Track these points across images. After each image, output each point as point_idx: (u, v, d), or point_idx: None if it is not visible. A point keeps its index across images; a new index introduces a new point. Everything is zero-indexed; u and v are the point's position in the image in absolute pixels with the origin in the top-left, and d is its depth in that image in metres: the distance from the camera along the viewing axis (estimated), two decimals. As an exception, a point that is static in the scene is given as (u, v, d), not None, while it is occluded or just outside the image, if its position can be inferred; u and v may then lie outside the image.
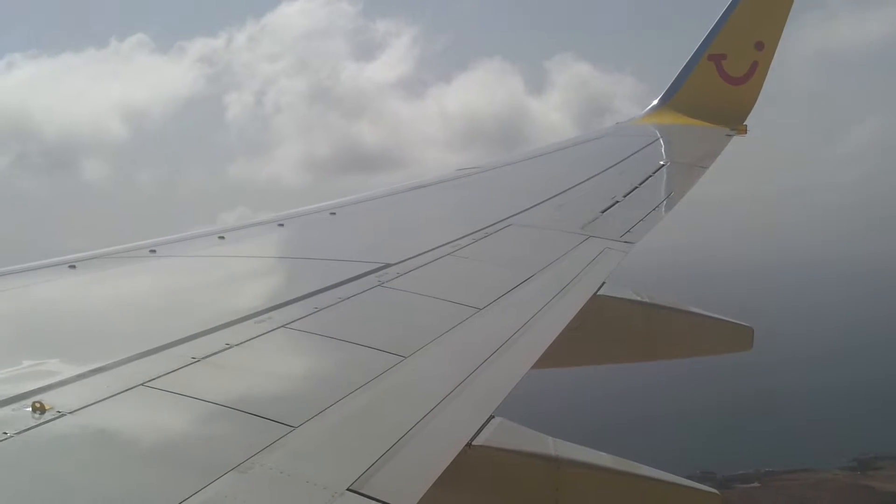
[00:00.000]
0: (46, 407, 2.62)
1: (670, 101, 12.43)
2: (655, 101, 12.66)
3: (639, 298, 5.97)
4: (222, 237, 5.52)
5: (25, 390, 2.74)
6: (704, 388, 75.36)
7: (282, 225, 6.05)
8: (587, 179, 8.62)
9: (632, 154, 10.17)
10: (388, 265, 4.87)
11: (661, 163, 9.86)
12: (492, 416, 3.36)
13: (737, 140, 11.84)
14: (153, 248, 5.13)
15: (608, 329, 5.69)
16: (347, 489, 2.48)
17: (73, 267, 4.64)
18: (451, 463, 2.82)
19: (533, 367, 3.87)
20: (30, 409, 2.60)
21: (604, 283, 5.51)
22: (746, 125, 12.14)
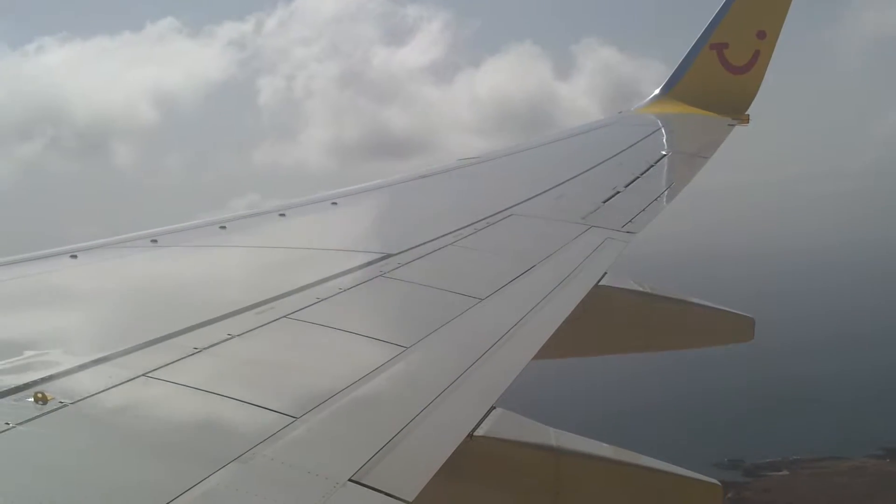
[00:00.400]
0: (48, 397, 2.62)
1: (672, 90, 12.39)
2: (657, 91, 12.62)
3: (640, 289, 5.97)
4: (224, 227, 5.52)
5: (27, 381, 2.74)
6: (714, 377, 75.14)
7: (283, 215, 6.04)
8: (588, 169, 8.60)
9: (633, 144, 10.14)
10: (389, 255, 4.87)
11: (663, 153, 9.84)
12: (493, 407, 3.36)
13: (745, 128, 11.83)
14: (154, 238, 5.12)
15: (610, 320, 5.68)
16: (349, 480, 2.49)
17: (74, 257, 4.64)
18: (453, 454, 2.82)
19: (534, 358, 3.87)
20: (32, 399, 2.60)
21: (605, 273, 5.51)
22: (749, 114, 12.11)
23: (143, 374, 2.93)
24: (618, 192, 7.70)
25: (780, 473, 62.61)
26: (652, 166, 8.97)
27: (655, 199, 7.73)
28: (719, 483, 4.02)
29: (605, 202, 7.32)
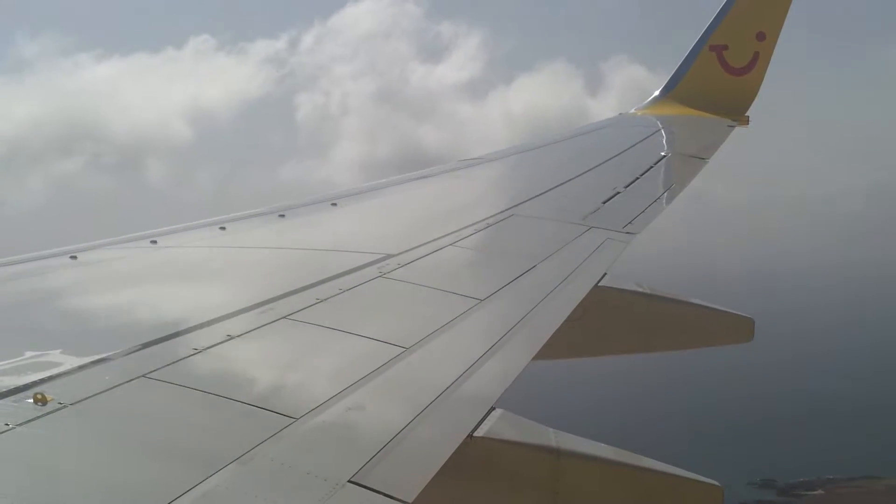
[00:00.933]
0: (48, 398, 2.61)
1: (672, 91, 12.37)
2: (657, 92, 12.60)
3: (640, 289, 5.97)
4: (223, 228, 5.51)
5: (27, 381, 2.73)
6: (724, 393, 74.12)
7: (283, 216, 6.03)
8: (589, 170, 8.60)
9: (633, 145, 10.14)
10: (389, 256, 4.86)
11: (663, 154, 9.84)
12: (493, 408, 3.36)
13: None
14: (154, 239, 5.11)
15: (610, 320, 5.69)
16: (348, 481, 2.48)
17: (74, 258, 4.63)
18: (453, 454, 2.82)
19: (535, 359, 3.87)
20: (31, 400, 2.60)
21: (605, 273, 5.51)
22: (748, 116, 12.10)
23: (143, 375, 2.92)
24: (618, 193, 7.70)
25: (816, 493, 61.38)
26: (652, 167, 8.97)
27: (655, 201, 7.74)
28: (719, 484, 4.01)
29: (605, 203, 7.32)
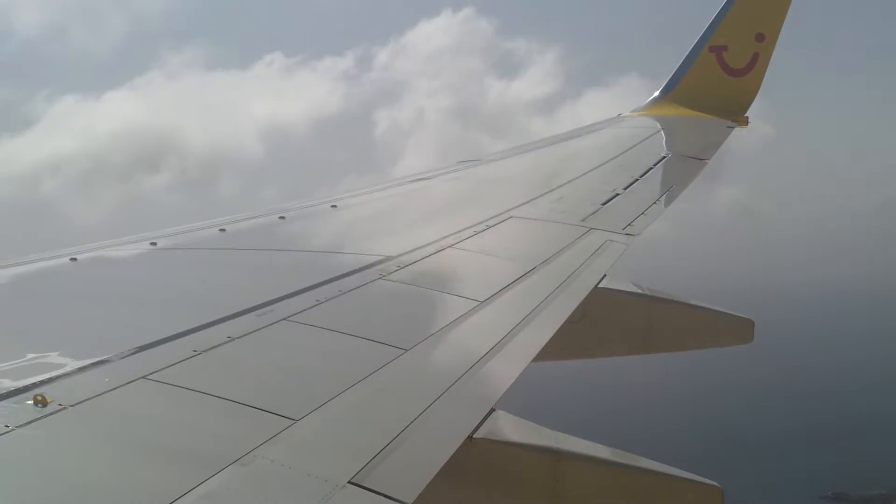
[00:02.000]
0: (48, 400, 2.61)
1: (671, 92, 12.39)
2: (657, 93, 12.62)
3: (640, 291, 5.98)
4: (223, 230, 5.51)
5: (27, 383, 2.74)
6: (758, 402, 73.36)
7: (283, 218, 6.04)
8: (588, 171, 8.61)
9: (632, 146, 10.15)
10: (388, 258, 4.87)
11: (662, 155, 9.85)
12: (493, 410, 3.37)
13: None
14: (154, 241, 5.12)
15: (609, 321, 5.69)
16: (348, 482, 2.49)
17: (74, 259, 4.64)
18: (452, 456, 2.82)
19: (534, 360, 3.88)
20: (31, 402, 2.60)
21: (605, 275, 5.51)
22: (748, 117, 12.13)
23: (143, 377, 2.93)
24: (617, 195, 7.70)
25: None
26: (651, 169, 8.98)
27: (655, 202, 7.74)
28: (719, 485, 4.02)
29: (604, 204, 7.33)
